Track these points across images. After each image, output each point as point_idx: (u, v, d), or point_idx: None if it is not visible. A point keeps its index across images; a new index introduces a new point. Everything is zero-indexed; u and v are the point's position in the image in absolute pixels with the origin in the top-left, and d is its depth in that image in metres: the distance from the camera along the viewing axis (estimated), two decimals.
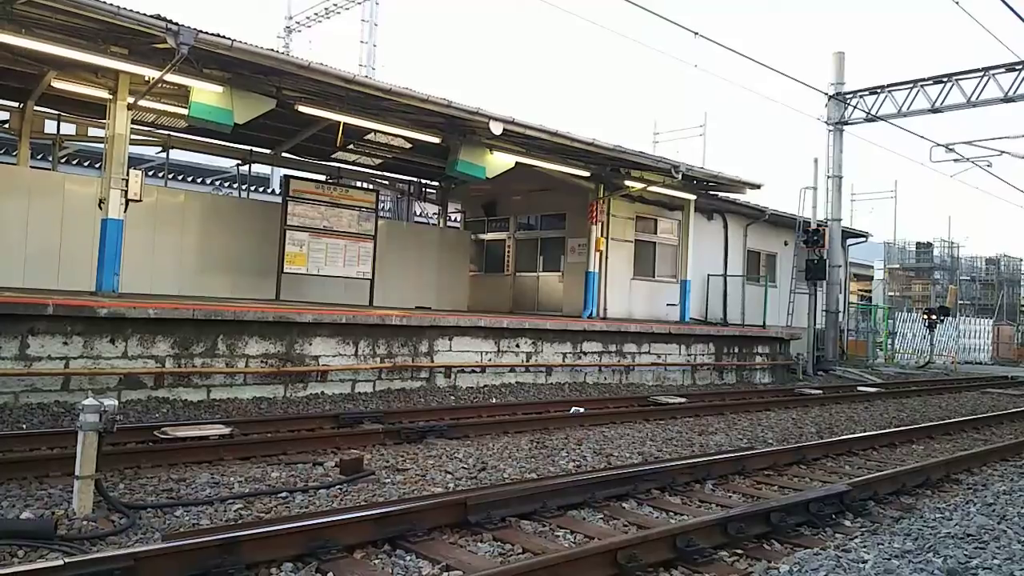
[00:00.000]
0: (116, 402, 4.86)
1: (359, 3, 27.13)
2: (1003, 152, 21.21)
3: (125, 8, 8.82)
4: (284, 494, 5.34)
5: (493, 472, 6.35)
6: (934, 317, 27.03)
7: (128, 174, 10.71)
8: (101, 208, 10.73)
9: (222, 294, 14.25)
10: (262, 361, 9.65)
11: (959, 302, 38.49)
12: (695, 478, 6.34)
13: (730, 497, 6.04)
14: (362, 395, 10.39)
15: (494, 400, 11.01)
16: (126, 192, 10.68)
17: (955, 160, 21.75)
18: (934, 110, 19.62)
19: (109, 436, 4.75)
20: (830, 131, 21.64)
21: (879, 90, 20.77)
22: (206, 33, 9.34)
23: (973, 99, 18.91)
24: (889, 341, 29.13)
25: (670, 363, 15.12)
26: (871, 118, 20.91)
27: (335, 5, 27.89)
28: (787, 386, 16.19)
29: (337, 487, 5.59)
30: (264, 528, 4.15)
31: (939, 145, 21.32)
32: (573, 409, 10.13)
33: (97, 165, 19.29)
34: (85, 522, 4.46)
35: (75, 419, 4.77)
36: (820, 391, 14.86)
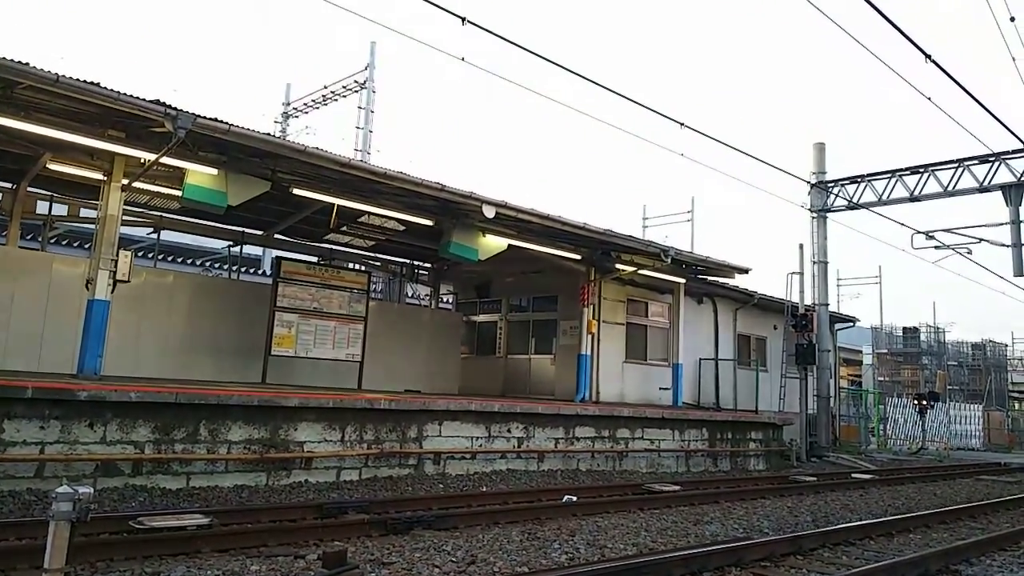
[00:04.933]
0: (91, 490, 4.65)
1: (356, 92, 27.80)
2: (982, 240, 21.46)
3: (125, 93, 8.97)
4: None
5: (483, 566, 6.10)
6: (925, 402, 26.90)
7: (118, 255, 10.68)
8: (88, 288, 10.64)
9: (208, 376, 14.02)
10: (245, 447, 9.39)
11: (948, 387, 38.43)
12: (691, 570, 6.13)
13: None
14: (348, 483, 10.09)
15: (484, 488, 10.72)
16: (114, 273, 10.62)
17: (936, 247, 22.02)
18: (913, 199, 20.06)
19: (82, 526, 4.54)
20: (814, 218, 22.04)
21: (859, 179, 21.29)
22: (203, 118, 9.48)
23: (950, 188, 19.37)
24: (881, 427, 28.89)
25: (664, 449, 14.86)
26: (853, 206, 21.36)
27: (332, 93, 28.57)
28: (782, 473, 15.91)
29: None
30: None
31: (920, 232, 21.63)
32: (566, 498, 9.86)
33: (87, 245, 19.30)
34: None
35: (47, 507, 4.55)
36: (815, 478, 14.61)
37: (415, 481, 10.65)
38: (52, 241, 17.12)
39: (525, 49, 8.93)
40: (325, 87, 28.70)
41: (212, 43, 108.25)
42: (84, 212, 14.56)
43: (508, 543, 7.02)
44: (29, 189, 13.57)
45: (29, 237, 17.19)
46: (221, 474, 9.14)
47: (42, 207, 14.26)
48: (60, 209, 14.62)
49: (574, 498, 9.83)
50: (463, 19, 8.23)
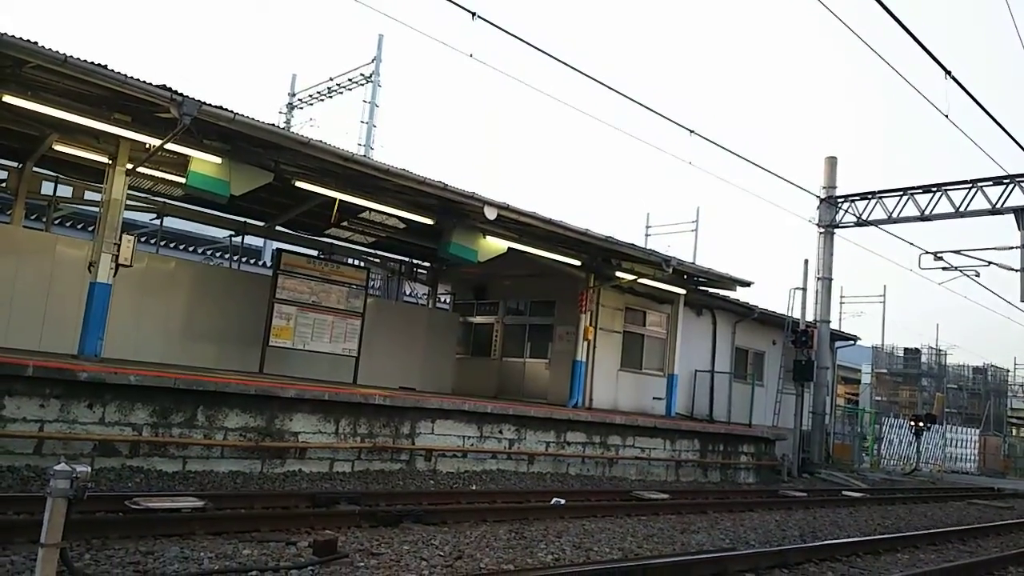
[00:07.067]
0: (89, 469, 4.70)
1: (361, 85, 27.83)
2: (990, 263, 21.37)
3: (132, 77, 9.03)
4: (254, 572, 5.15)
5: (469, 561, 6.15)
6: (921, 424, 26.89)
7: (120, 239, 10.74)
8: (90, 271, 10.70)
9: (207, 364, 14.07)
10: (241, 434, 9.45)
11: (946, 410, 38.38)
12: None
13: None
14: (340, 475, 10.15)
15: (474, 487, 10.77)
16: (117, 257, 10.68)
17: (943, 268, 21.97)
18: (923, 218, 19.89)
19: (79, 504, 4.59)
20: (821, 233, 21.91)
21: (870, 196, 21.09)
22: (209, 105, 9.54)
23: (961, 209, 19.17)
24: (875, 446, 28.89)
25: (654, 458, 14.90)
26: (862, 222, 21.19)
27: (338, 86, 28.57)
28: (772, 487, 15.94)
29: (309, 568, 5.40)
30: None
31: (928, 252, 21.58)
32: (554, 500, 9.91)
33: (90, 228, 19.37)
34: None
35: (45, 484, 4.60)
36: (805, 494, 14.63)
37: (406, 476, 10.70)
38: (56, 222, 17.16)
39: (534, 47, 9.01)
40: (331, 79, 28.64)
41: (219, 32, 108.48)
42: (88, 195, 14.64)
43: (495, 541, 7.07)
44: (35, 169, 13.64)
45: (33, 217, 17.28)
46: (217, 459, 9.20)
47: (47, 188, 14.33)
48: (65, 191, 14.69)
49: (562, 501, 9.87)
50: (473, 14, 8.30)
